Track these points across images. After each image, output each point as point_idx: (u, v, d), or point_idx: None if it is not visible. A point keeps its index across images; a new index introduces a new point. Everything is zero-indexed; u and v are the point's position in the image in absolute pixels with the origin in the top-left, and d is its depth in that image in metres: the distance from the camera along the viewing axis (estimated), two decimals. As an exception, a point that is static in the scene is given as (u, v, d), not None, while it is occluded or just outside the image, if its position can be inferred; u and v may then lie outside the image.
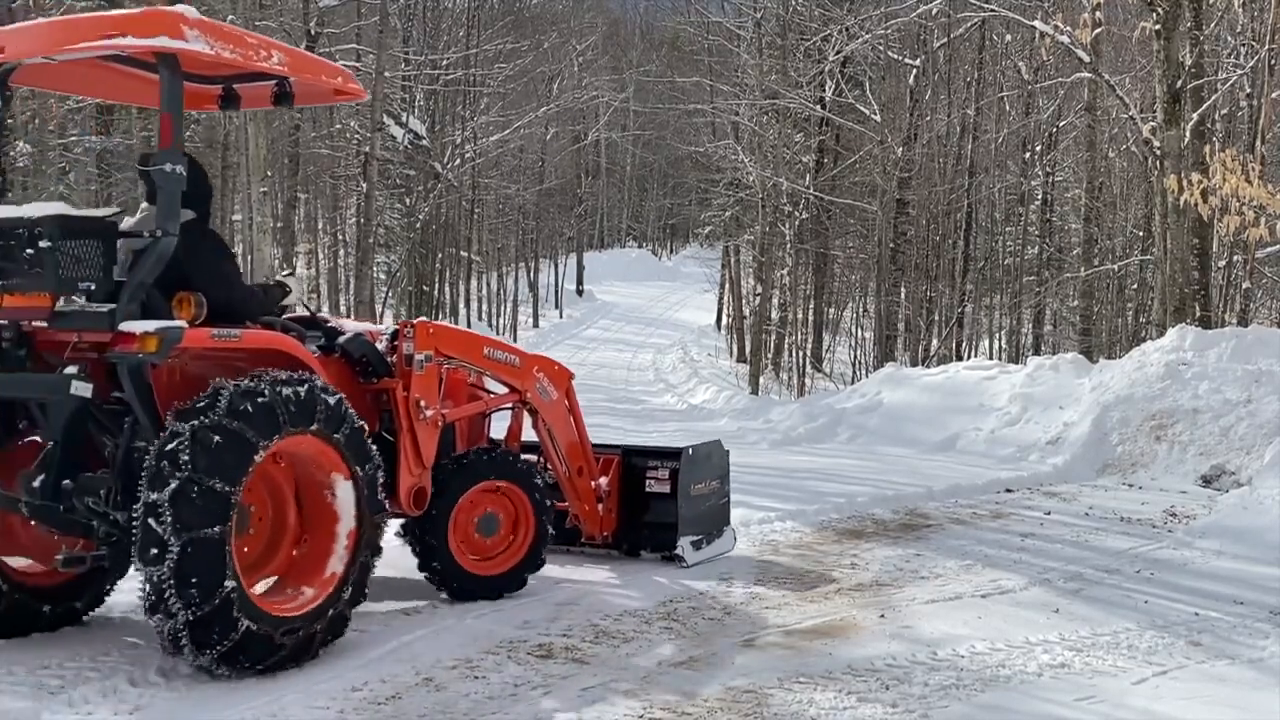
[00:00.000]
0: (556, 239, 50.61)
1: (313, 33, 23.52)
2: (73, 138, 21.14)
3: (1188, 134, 15.48)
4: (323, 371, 5.63)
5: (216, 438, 4.87)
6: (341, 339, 6.16)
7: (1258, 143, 12.23)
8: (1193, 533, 8.83)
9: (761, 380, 26.85)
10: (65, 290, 5.06)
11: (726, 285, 38.85)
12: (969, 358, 25.84)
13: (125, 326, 4.99)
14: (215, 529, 4.81)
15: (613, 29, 61.51)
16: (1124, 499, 10.81)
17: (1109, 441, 12.53)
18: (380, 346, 6.35)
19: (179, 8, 5.25)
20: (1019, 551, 8.26)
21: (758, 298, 29.28)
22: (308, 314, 6.40)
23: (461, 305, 31.82)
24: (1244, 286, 20.04)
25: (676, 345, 38.25)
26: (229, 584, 4.83)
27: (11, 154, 18.05)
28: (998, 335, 29.28)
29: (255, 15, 15.53)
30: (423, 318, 6.69)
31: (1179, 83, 15.53)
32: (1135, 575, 7.58)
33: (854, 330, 32.02)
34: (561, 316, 46.47)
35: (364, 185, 23.64)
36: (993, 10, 19.84)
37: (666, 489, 7.58)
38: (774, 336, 30.18)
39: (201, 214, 5.67)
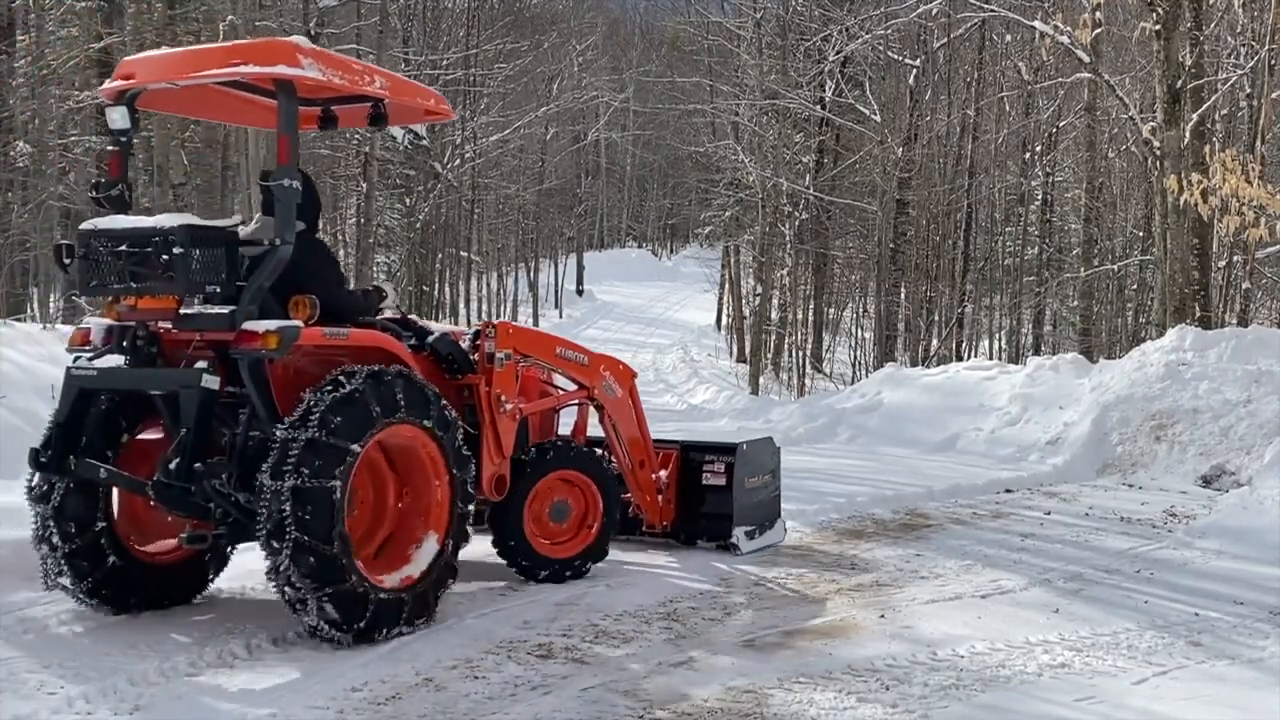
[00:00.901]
0: (556, 239, 50.59)
1: (313, 33, 23.49)
2: (73, 138, 21.13)
3: (1188, 134, 15.48)
4: (416, 368, 6.12)
5: (345, 405, 5.47)
6: (430, 338, 6.70)
7: (1258, 143, 12.23)
8: (1193, 533, 8.83)
9: (761, 380, 26.86)
10: (193, 293, 5.58)
11: (726, 285, 38.87)
12: (969, 358, 25.84)
13: (247, 326, 5.49)
14: (333, 482, 5.36)
15: (613, 29, 61.49)
16: (1124, 499, 10.80)
17: (1109, 441, 12.53)
18: (463, 345, 6.84)
19: (294, 39, 5.91)
20: (1019, 551, 8.26)
21: (758, 298, 29.29)
22: (399, 315, 6.95)
23: (461, 305, 31.80)
24: (1244, 286, 20.03)
25: (676, 345, 38.24)
26: (339, 532, 5.38)
27: (11, 154, 18.05)
28: (998, 335, 29.29)
29: (255, 15, 15.52)
30: (504, 319, 7.08)
31: (1179, 83, 15.53)
32: (1135, 575, 7.57)
33: (854, 330, 32.03)
34: (561, 317, 46.45)
35: (364, 185, 23.63)
36: (993, 10, 19.84)
37: (722, 482, 7.99)
38: (774, 336, 30.19)
39: (311, 225, 6.17)
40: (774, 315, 29.81)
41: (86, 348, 5.96)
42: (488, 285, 42.20)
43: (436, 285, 31.54)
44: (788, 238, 28.33)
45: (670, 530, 8.09)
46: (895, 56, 26.49)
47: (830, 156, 29.21)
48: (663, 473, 8.01)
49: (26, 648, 5.37)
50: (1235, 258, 21.01)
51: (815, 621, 6.23)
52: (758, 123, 28.18)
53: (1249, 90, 20.17)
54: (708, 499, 8.06)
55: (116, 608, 5.95)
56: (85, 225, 5.92)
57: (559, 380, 7.69)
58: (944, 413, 14.20)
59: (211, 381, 5.56)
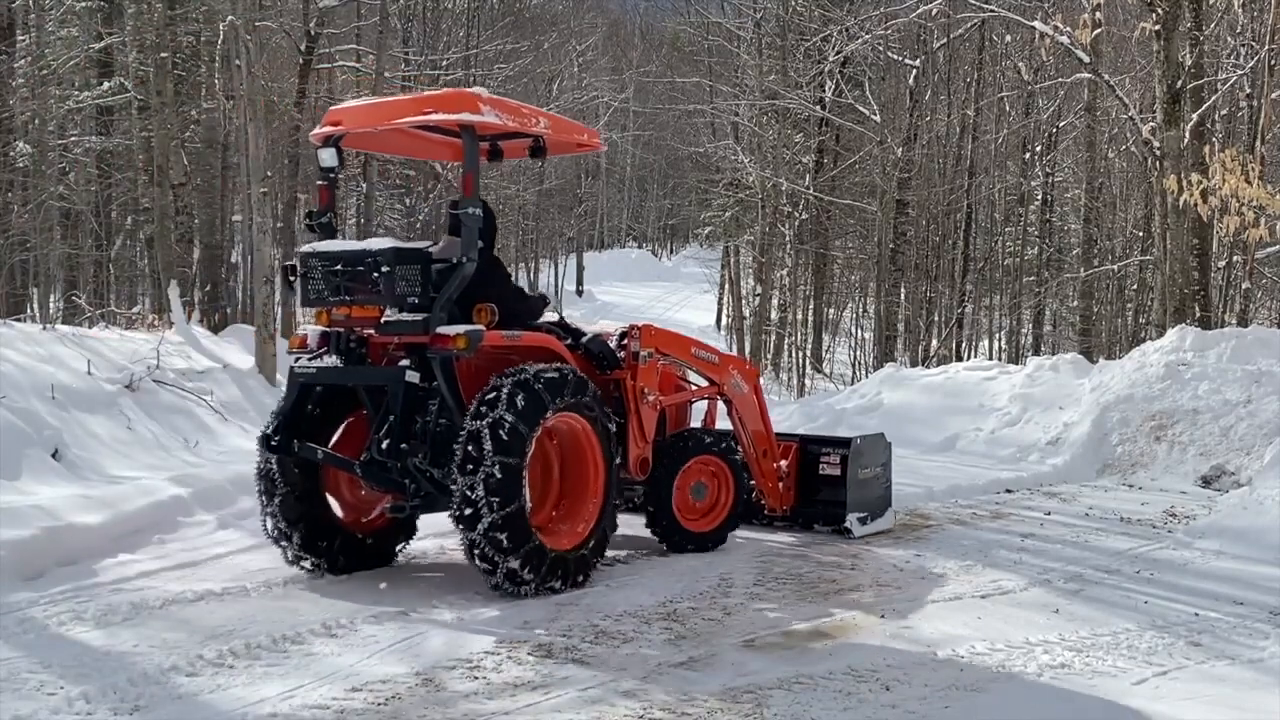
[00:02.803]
0: (556, 239, 50.53)
1: (313, 33, 23.49)
2: (73, 138, 21.13)
3: (1187, 134, 15.48)
4: (574, 365, 7.07)
5: (523, 394, 6.39)
6: (584, 339, 7.64)
7: (1258, 143, 12.24)
8: (1193, 533, 8.83)
9: (761, 380, 26.82)
10: (396, 304, 6.60)
11: (726, 285, 38.85)
12: (969, 358, 25.85)
13: (440, 330, 6.49)
14: (516, 462, 6.29)
15: (613, 29, 61.46)
16: (1124, 499, 10.81)
17: (1109, 442, 12.53)
18: (611, 345, 7.74)
19: (475, 89, 7.03)
20: (1019, 552, 8.27)
21: (757, 298, 29.29)
22: (557, 318, 7.82)
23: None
24: (1244, 287, 20.03)
25: (676, 345, 38.13)
26: (523, 503, 6.33)
27: (11, 154, 18.04)
28: (997, 335, 29.28)
29: (255, 15, 15.51)
30: (646, 322, 8.03)
31: (1179, 83, 15.53)
32: (1135, 576, 7.58)
33: (854, 330, 32.03)
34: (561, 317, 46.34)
35: (364, 185, 23.61)
36: (993, 11, 19.83)
37: (837, 472, 8.77)
38: (774, 337, 30.18)
39: (489, 244, 7.08)
40: (774, 315, 29.81)
41: (305, 350, 7.02)
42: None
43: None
44: (788, 238, 28.34)
45: (789, 515, 8.91)
46: (895, 57, 26.47)
47: (830, 156, 29.20)
48: (783, 462, 8.83)
49: (26, 648, 5.37)
50: (1235, 258, 21.01)
51: (815, 621, 6.23)
52: (758, 123, 28.18)
53: (1249, 90, 20.18)
54: (824, 488, 8.84)
55: (329, 568, 6.96)
56: (305, 248, 6.97)
57: (691, 376, 8.60)
58: (944, 413, 14.20)
59: (413, 376, 6.55)
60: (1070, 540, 8.77)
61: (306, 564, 6.96)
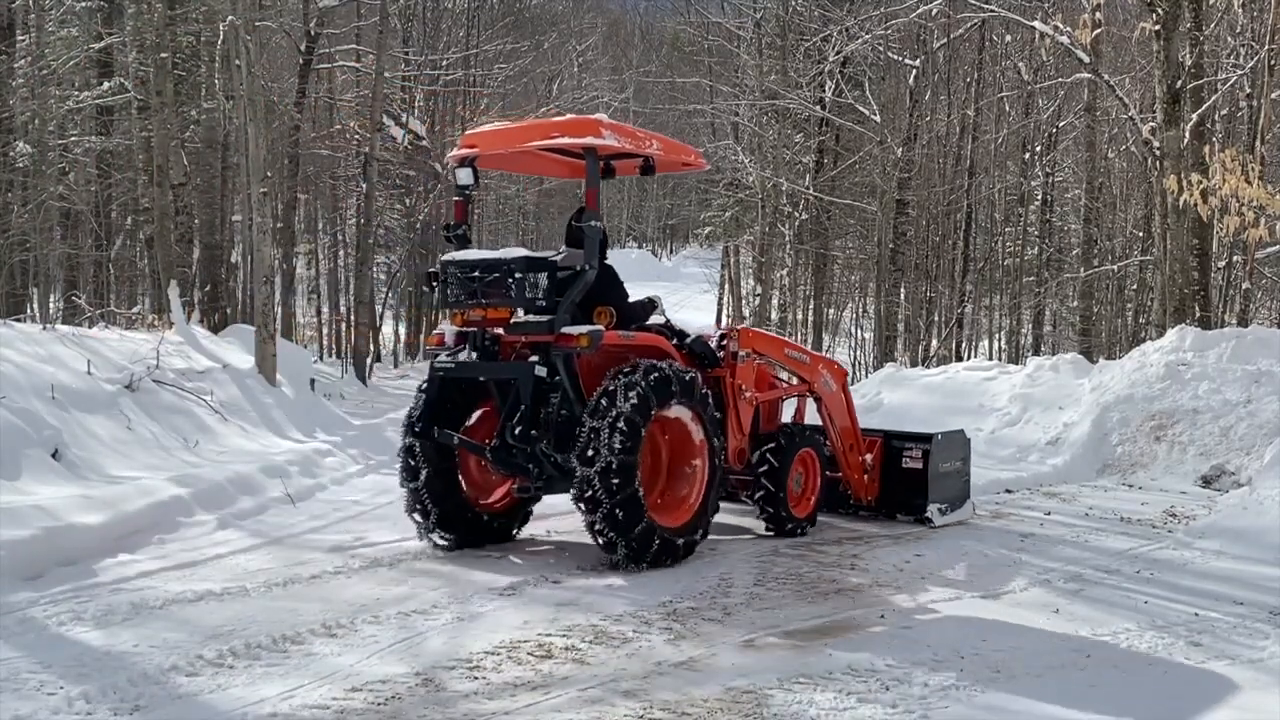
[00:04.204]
0: (556, 239, 50.55)
1: (313, 33, 23.49)
2: (73, 138, 21.12)
3: (1188, 134, 15.47)
4: (682, 363, 7.81)
5: (636, 392, 7.11)
6: (688, 339, 8.27)
7: (1258, 143, 12.25)
8: (1193, 533, 8.83)
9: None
10: (526, 307, 7.36)
11: (726, 286, 38.82)
12: (969, 358, 25.85)
13: (565, 330, 7.23)
14: (630, 452, 7.02)
15: (613, 29, 61.49)
16: (1124, 499, 10.81)
17: (1109, 442, 12.53)
18: (711, 345, 8.39)
19: (597, 116, 7.84)
20: (1019, 552, 8.27)
21: (757, 298, 29.27)
22: (663, 320, 8.37)
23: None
24: (1244, 287, 20.02)
25: (676, 345, 38.12)
26: (637, 489, 7.05)
27: (11, 154, 18.03)
28: (997, 336, 29.29)
29: (255, 15, 15.50)
30: (745, 324, 8.38)
31: (1179, 83, 15.53)
32: (1135, 575, 7.58)
33: (854, 331, 32.02)
34: (561, 317, 46.30)
35: (364, 185, 23.61)
36: (993, 11, 19.83)
37: (919, 466, 9.36)
38: (774, 337, 30.09)
39: (603, 254, 7.73)
40: (774, 315, 29.78)
41: (442, 347, 7.85)
42: (488, 285, 41.92)
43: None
44: (787, 238, 28.32)
45: (873, 505, 9.56)
46: (895, 57, 26.46)
47: (830, 156, 29.17)
48: (868, 456, 9.47)
49: (26, 648, 5.37)
50: (1235, 258, 21.01)
51: (815, 621, 6.22)
52: (758, 123, 28.17)
53: (1249, 90, 20.17)
54: (906, 480, 9.41)
55: (459, 543, 7.79)
56: (445, 257, 7.80)
57: (783, 374, 9.29)
58: (944, 413, 14.19)
59: (541, 370, 7.30)
60: (1070, 540, 8.77)
61: (439, 539, 7.79)
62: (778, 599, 6.72)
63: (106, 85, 20.29)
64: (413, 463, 7.77)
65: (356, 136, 26.56)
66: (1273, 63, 13.41)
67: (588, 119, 7.72)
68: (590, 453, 7.00)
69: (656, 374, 7.29)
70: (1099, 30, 15.30)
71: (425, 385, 7.89)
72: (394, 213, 28.64)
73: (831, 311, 33.13)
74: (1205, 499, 10.66)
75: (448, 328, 7.94)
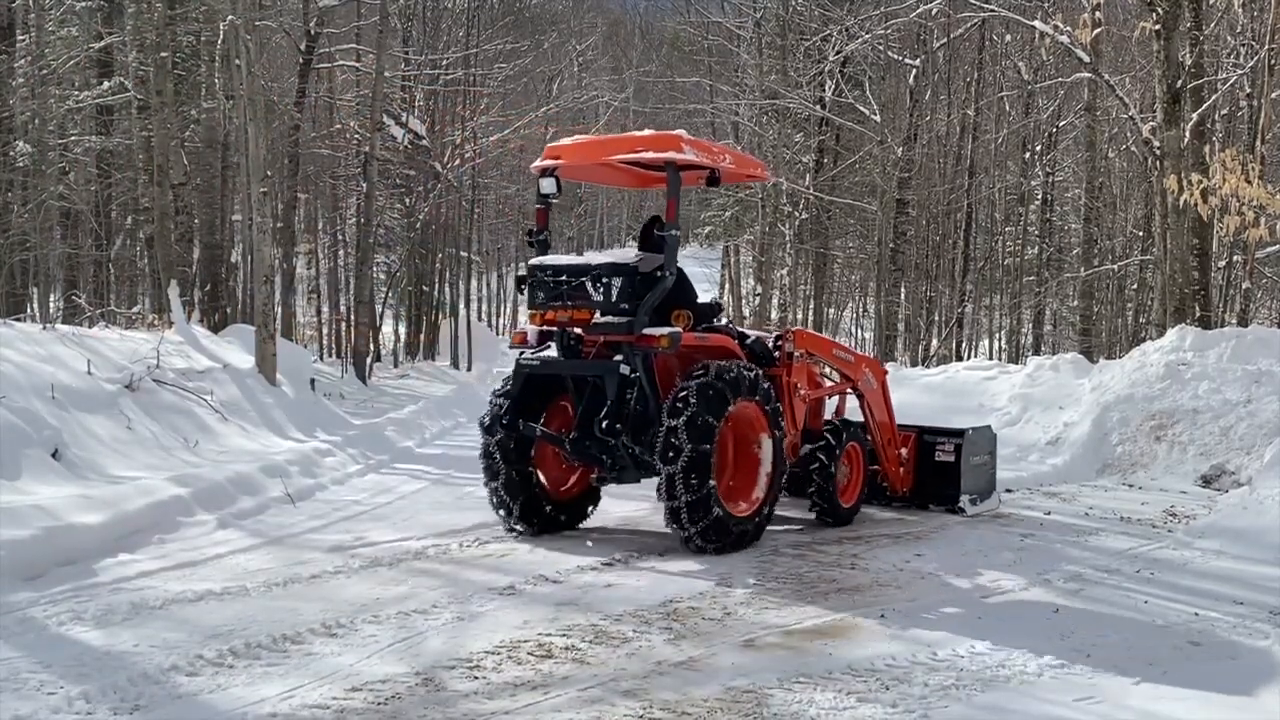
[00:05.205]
0: (556, 239, 50.45)
1: (312, 32, 23.48)
2: (73, 137, 21.12)
3: (1188, 134, 15.47)
4: (748, 362, 8.23)
5: (711, 393, 7.59)
6: (748, 340, 8.73)
7: (1258, 143, 12.24)
8: (1193, 533, 8.83)
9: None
10: (607, 310, 7.81)
11: (726, 285, 38.84)
12: (969, 358, 25.86)
13: (646, 331, 7.72)
14: (705, 446, 7.50)
15: (613, 29, 61.46)
16: (1124, 499, 10.80)
17: (1109, 442, 12.53)
18: (769, 345, 8.87)
19: (678, 132, 8.19)
20: (1019, 551, 8.27)
21: (757, 298, 29.27)
22: (726, 322, 8.82)
23: (461, 305, 31.72)
24: (1244, 286, 20.03)
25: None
26: (711, 482, 7.54)
27: (11, 154, 18.03)
28: (998, 335, 29.30)
29: (255, 15, 15.50)
30: (799, 326, 8.69)
31: (1179, 83, 15.52)
32: (1135, 575, 7.58)
33: (854, 330, 32.03)
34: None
35: (364, 185, 23.61)
36: (993, 10, 19.84)
37: (951, 459, 9.88)
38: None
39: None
40: (774, 315, 29.78)
41: (525, 345, 8.31)
42: (487, 285, 42.07)
43: (436, 285, 31.48)
44: (788, 238, 28.33)
45: (908, 496, 10.03)
46: (895, 56, 26.47)
47: (830, 156, 29.18)
48: (903, 450, 9.96)
49: (26, 648, 5.37)
50: (1235, 258, 21.02)
51: (815, 621, 6.22)
52: (758, 122, 28.17)
53: (1249, 90, 20.17)
54: (940, 472, 9.90)
55: (535, 529, 8.30)
56: (533, 261, 8.25)
57: (828, 371, 9.84)
58: (944, 413, 14.15)
59: (625, 368, 7.77)
60: (1070, 540, 8.77)
61: (520, 528, 8.30)
62: (778, 599, 6.71)
63: (106, 85, 20.30)
64: (493, 462, 8.27)
65: (356, 136, 26.57)
66: (1273, 62, 13.40)
67: (669, 135, 8.09)
68: (669, 451, 7.44)
69: (730, 375, 7.75)
70: (1099, 30, 15.30)
71: (506, 386, 8.40)
72: (394, 212, 28.65)
73: (832, 311, 33.15)
74: (1205, 499, 10.65)
75: (530, 328, 8.41)
